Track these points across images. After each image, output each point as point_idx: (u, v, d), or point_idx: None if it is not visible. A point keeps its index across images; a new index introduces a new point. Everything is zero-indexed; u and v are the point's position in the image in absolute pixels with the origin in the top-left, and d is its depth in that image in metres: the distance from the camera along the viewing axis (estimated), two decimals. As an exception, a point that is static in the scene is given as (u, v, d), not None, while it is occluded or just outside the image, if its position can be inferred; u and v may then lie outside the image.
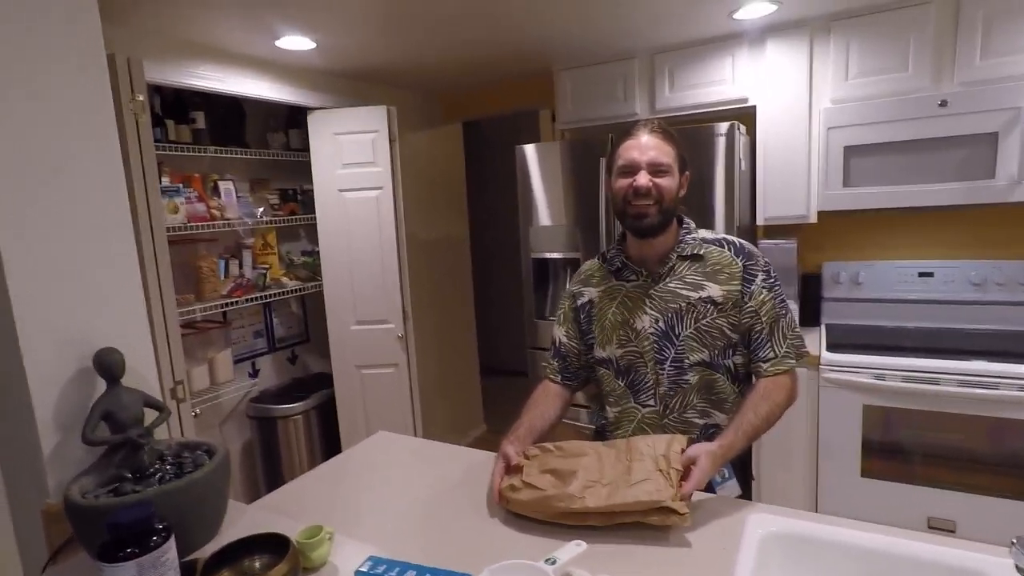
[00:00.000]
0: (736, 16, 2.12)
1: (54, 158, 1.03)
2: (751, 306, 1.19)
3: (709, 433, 1.20)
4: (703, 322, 1.19)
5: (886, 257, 2.44)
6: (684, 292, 1.20)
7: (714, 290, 1.19)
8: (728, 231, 2.15)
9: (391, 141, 2.65)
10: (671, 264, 1.23)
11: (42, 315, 1.00)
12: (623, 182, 1.19)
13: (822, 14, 2.16)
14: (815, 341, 2.24)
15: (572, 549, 0.88)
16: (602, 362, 1.29)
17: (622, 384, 1.26)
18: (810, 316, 2.47)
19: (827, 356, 2.07)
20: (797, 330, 1.22)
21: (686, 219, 1.27)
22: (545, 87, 2.87)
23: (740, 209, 2.22)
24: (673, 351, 1.21)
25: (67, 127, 1.05)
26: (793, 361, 1.19)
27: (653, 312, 1.22)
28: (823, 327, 2.40)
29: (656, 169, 1.17)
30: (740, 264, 1.20)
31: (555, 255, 2.55)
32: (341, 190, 2.67)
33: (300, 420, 2.67)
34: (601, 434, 1.32)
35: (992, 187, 1.95)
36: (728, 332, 1.20)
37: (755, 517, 1.02)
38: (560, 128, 2.82)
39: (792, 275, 2.38)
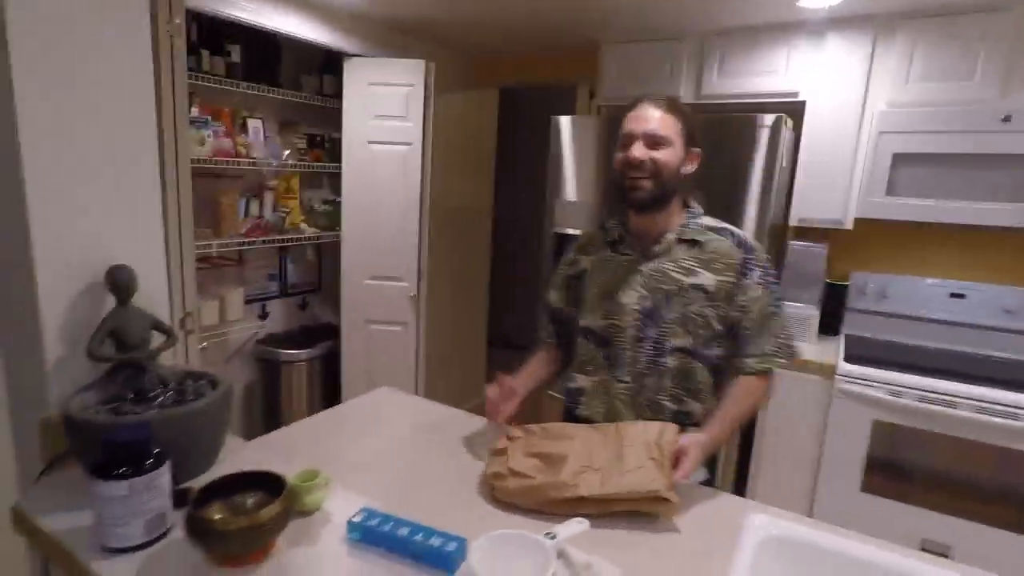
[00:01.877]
0: (800, 4, 2.02)
1: (84, 69, 1.00)
2: (743, 300, 1.16)
3: (681, 421, 1.17)
4: (691, 309, 1.16)
5: (918, 273, 2.36)
6: (676, 275, 1.17)
7: (707, 278, 1.16)
8: (760, 229, 2.08)
9: (426, 97, 2.59)
10: (668, 245, 1.20)
11: (57, 225, 0.98)
12: (620, 154, 1.17)
13: (891, 10, 2.04)
14: (833, 351, 2.18)
15: (574, 526, 0.85)
16: (583, 331, 1.28)
17: (601, 355, 1.25)
18: (830, 326, 2.41)
19: (843, 367, 2.01)
20: (789, 331, 1.20)
21: (694, 203, 1.24)
22: (587, 61, 2.78)
23: (775, 207, 2.14)
24: (655, 331, 1.19)
25: (100, 38, 1.02)
26: (782, 360, 1.17)
27: (641, 289, 1.20)
28: (843, 337, 2.34)
29: (653, 141, 1.13)
30: (740, 256, 1.17)
31: (578, 231, 2.49)
32: (370, 142, 2.62)
33: (304, 367, 2.68)
34: (573, 401, 1.31)
35: (1044, 213, 1.86)
36: (714, 323, 1.17)
37: (757, 518, 0.99)
38: (599, 104, 2.74)
39: (818, 281, 2.31)
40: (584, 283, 1.29)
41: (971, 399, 1.83)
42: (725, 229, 1.21)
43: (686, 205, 1.23)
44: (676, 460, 1.02)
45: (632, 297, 1.20)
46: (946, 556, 1.91)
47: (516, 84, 3.43)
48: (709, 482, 1.20)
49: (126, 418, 0.88)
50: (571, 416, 1.31)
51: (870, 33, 2.10)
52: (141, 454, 0.79)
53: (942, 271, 2.34)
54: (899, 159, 2.05)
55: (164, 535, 0.81)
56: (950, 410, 1.85)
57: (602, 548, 0.87)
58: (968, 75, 1.97)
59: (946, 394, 1.86)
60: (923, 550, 1.90)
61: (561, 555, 0.83)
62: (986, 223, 1.94)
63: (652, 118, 1.13)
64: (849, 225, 2.23)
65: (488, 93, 3.48)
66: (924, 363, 2.05)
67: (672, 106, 1.15)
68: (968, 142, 1.93)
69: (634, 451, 1.01)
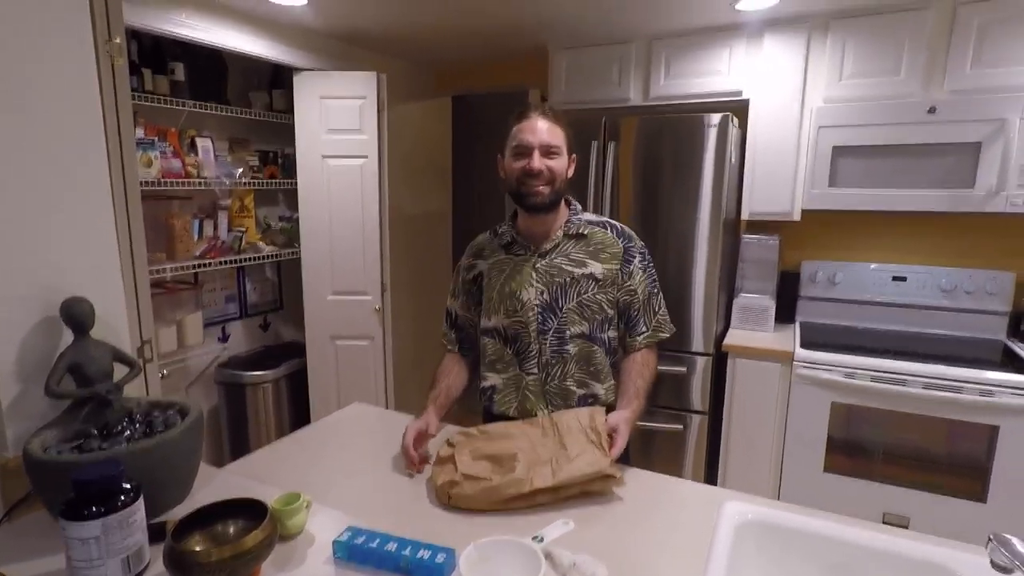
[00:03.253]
0: (738, 7, 2.11)
1: (27, 96, 0.96)
2: (630, 285, 1.29)
3: (588, 402, 1.29)
4: (584, 296, 1.27)
5: (863, 259, 2.49)
6: (568, 268, 1.27)
7: (596, 267, 1.27)
8: (714, 225, 2.16)
9: (379, 109, 2.58)
10: (557, 241, 1.29)
11: (6, 259, 0.94)
12: (517, 164, 1.24)
13: (823, 11, 2.16)
14: (789, 338, 2.28)
15: (559, 528, 0.87)
16: (488, 331, 1.33)
17: (509, 352, 1.31)
18: (786, 313, 2.51)
19: (800, 353, 2.10)
20: (664, 305, 1.35)
21: (574, 201, 1.36)
22: (538, 66, 2.82)
23: (727, 203, 2.23)
24: (556, 322, 1.27)
25: (41, 63, 0.98)
26: (664, 334, 1.33)
27: (539, 284, 1.27)
28: (798, 324, 2.45)
29: (548, 151, 1.23)
30: (621, 245, 1.30)
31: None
32: (325, 156, 2.59)
33: (270, 388, 2.62)
34: (488, 399, 1.35)
35: (971, 196, 1.99)
36: (606, 307, 1.28)
37: (731, 505, 1.03)
38: (550, 108, 2.78)
39: (773, 272, 2.40)
40: (482, 286, 1.36)
41: (919, 376, 1.95)
42: (605, 222, 1.33)
43: (568, 204, 1.34)
44: (609, 438, 1.11)
45: (532, 293, 1.27)
46: (906, 527, 2.01)
47: (469, 91, 3.45)
48: (623, 456, 1.23)
49: (94, 455, 0.85)
50: (488, 413, 1.36)
51: (804, 32, 2.21)
52: (113, 491, 0.76)
53: (885, 256, 2.47)
54: (839, 152, 2.16)
55: (142, 572, 0.79)
56: (900, 388, 1.96)
57: (585, 546, 0.89)
58: (894, 70, 2.09)
59: (896, 373, 1.97)
60: (885, 523, 2.02)
61: (548, 556, 0.85)
62: (919, 208, 2.07)
63: (544, 130, 1.22)
64: (797, 217, 2.33)
65: (441, 101, 3.49)
66: (874, 344, 2.17)
67: (558, 118, 1.26)
68: (899, 134, 2.05)
69: (573, 438, 1.10)
